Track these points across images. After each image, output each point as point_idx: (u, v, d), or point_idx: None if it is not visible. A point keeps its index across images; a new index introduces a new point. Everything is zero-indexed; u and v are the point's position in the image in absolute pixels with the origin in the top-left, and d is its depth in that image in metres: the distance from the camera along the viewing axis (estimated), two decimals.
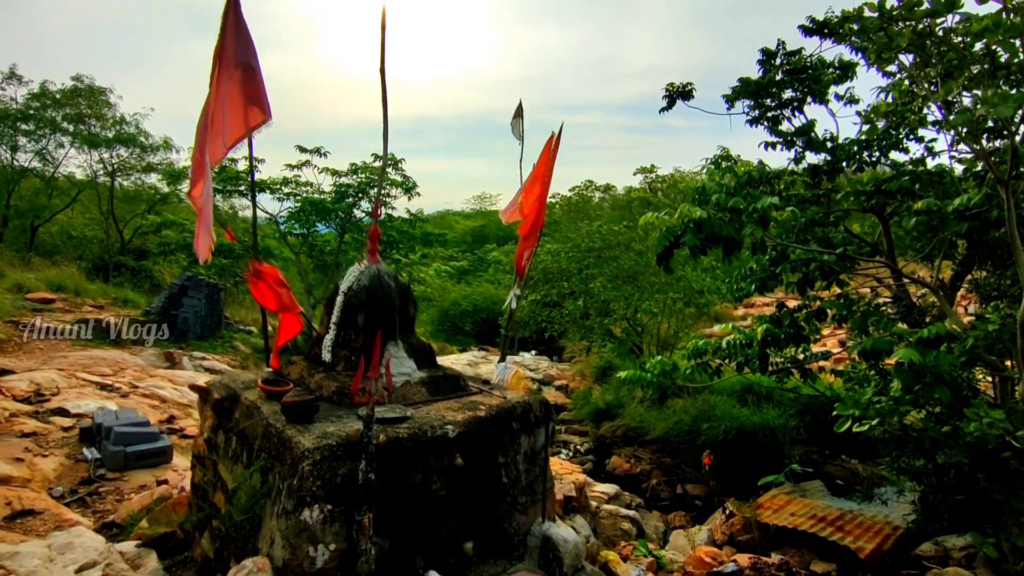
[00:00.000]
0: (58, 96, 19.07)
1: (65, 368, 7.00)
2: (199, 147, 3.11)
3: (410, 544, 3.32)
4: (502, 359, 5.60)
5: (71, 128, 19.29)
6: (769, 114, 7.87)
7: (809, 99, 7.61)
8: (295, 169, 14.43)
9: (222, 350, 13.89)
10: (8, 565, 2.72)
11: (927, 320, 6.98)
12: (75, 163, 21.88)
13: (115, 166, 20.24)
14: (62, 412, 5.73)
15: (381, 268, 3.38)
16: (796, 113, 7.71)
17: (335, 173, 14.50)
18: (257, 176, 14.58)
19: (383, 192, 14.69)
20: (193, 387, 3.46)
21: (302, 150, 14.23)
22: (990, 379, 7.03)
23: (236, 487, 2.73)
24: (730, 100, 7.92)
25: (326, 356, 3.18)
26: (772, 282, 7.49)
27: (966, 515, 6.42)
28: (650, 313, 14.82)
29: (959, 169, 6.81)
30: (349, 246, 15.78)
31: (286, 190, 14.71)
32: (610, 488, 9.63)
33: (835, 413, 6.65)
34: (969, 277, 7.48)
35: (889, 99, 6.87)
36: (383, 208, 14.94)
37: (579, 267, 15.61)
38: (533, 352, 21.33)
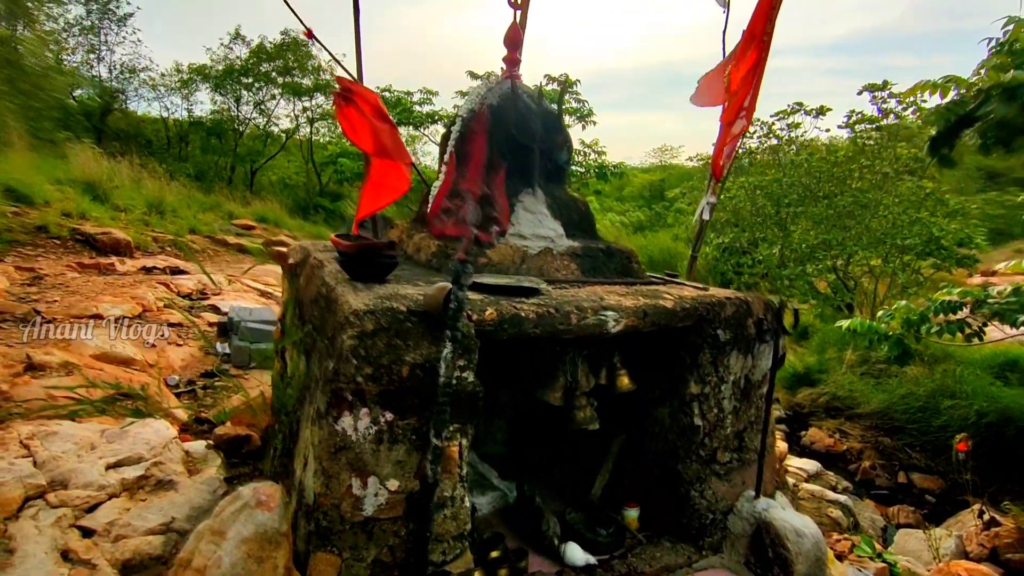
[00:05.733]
0: (270, 50, 20.74)
1: (234, 275, 7.05)
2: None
3: (546, 500, 2.24)
4: None
5: (280, 80, 20.94)
6: None
7: None
8: (463, 97, 13.89)
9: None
10: (33, 445, 2.19)
11: None
12: (284, 113, 23.92)
13: (315, 115, 21.73)
14: (214, 309, 5.60)
15: (518, 83, 2.23)
16: None
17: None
18: (429, 108, 14.34)
19: None
20: (276, 256, 2.67)
21: (474, 76, 13.56)
22: None
23: (291, 377, 1.87)
24: None
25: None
26: None
27: None
28: (867, 266, 12.04)
29: None
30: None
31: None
32: (810, 464, 7.81)
33: None
34: None
35: None
36: None
37: (777, 207, 13.15)
38: None
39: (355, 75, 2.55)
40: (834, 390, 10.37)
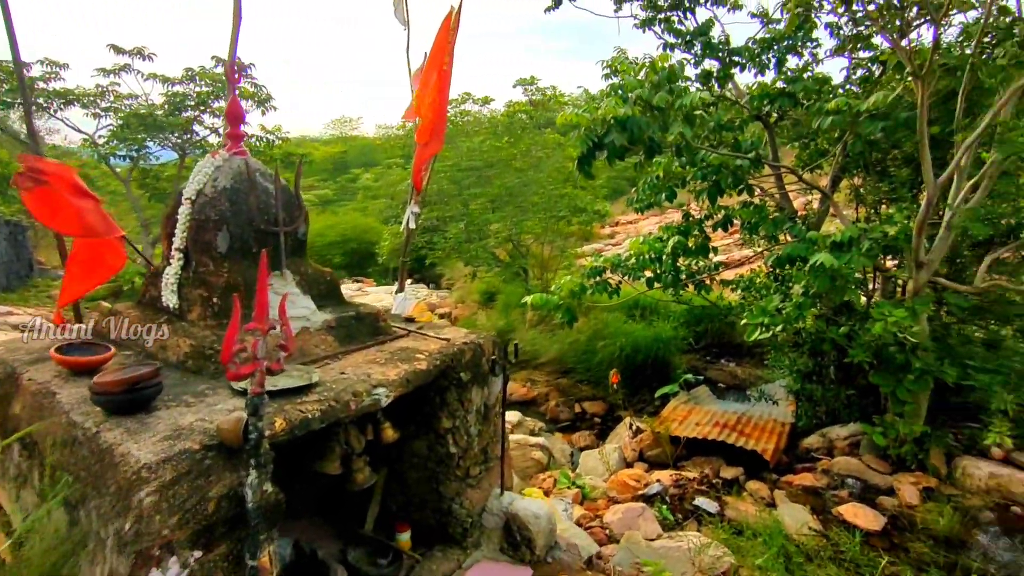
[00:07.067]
0: None
1: None
2: None
3: (324, 545, 2.41)
4: (400, 289, 4.65)
5: None
6: (662, 16, 7.25)
7: None
8: (111, 75, 11.55)
9: (36, 301, 11.50)
10: None
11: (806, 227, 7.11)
12: None
13: None
14: None
15: (250, 162, 2.22)
16: (688, 15, 7.18)
17: (166, 80, 11.85)
18: (62, 85, 11.58)
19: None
20: None
21: (118, 51, 11.36)
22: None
23: (28, 528, 1.63)
24: (618, 0, 7.17)
25: (170, 300, 2.04)
26: (679, 189, 7.16)
27: (849, 409, 6.76)
28: (533, 233, 14.34)
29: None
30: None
31: (104, 104, 11.82)
32: (511, 416, 9.19)
33: (744, 322, 6.58)
34: (847, 184, 7.70)
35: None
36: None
37: (459, 188, 14.59)
38: (409, 281, 20.27)
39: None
40: (522, 345, 12.19)
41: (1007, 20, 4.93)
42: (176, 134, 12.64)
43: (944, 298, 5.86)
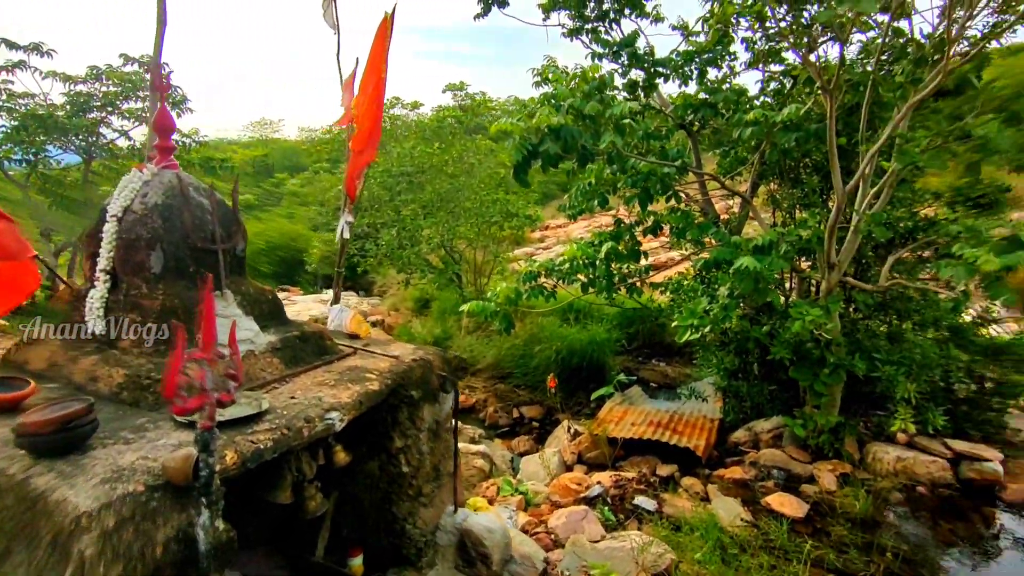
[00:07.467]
0: None
1: None
2: None
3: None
4: (335, 300, 4.55)
5: None
6: (588, 26, 7.45)
7: (627, 10, 7.30)
8: (3, 72, 10.54)
9: None
10: None
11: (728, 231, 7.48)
12: None
13: None
14: None
15: (183, 176, 2.09)
16: (614, 26, 7.41)
17: (69, 79, 10.95)
18: None
19: (141, 108, 11.52)
20: None
21: (11, 46, 10.38)
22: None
23: None
24: (546, 10, 7.31)
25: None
26: (609, 196, 7.34)
27: (773, 403, 7.13)
28: (466, 239, 14.32)
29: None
30: (102, 178, 12.33)
31: None
32: None
33: (675, 324, 6.81)
34: (764, 190, 8.12)
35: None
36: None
37: (391, 194, 14.36)
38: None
39: None
40: (459, 352, 12.15)
41: (901, 40, 5.37)
42: (80, 136, 11.72)
43: (852, 296, 6.31)
